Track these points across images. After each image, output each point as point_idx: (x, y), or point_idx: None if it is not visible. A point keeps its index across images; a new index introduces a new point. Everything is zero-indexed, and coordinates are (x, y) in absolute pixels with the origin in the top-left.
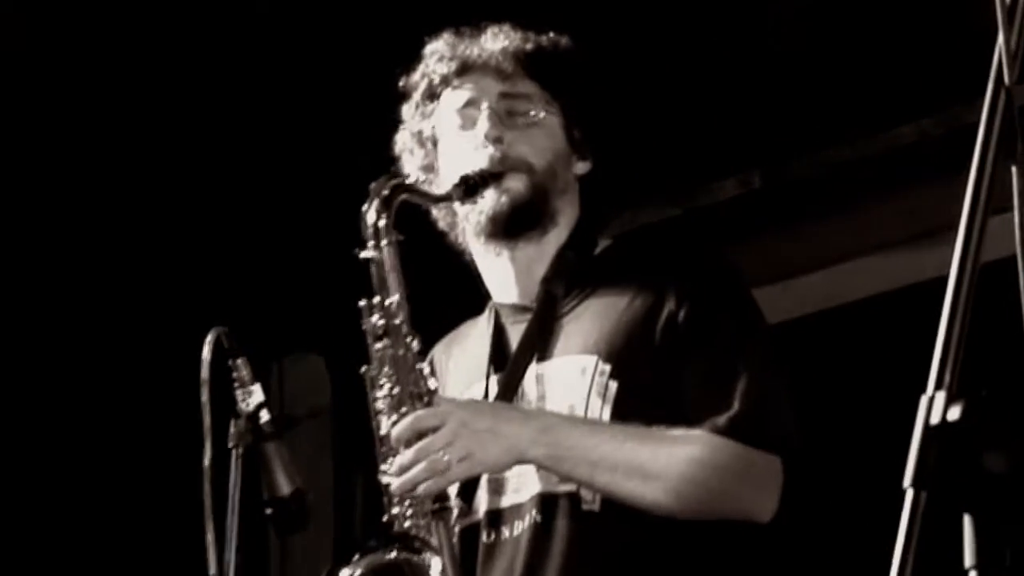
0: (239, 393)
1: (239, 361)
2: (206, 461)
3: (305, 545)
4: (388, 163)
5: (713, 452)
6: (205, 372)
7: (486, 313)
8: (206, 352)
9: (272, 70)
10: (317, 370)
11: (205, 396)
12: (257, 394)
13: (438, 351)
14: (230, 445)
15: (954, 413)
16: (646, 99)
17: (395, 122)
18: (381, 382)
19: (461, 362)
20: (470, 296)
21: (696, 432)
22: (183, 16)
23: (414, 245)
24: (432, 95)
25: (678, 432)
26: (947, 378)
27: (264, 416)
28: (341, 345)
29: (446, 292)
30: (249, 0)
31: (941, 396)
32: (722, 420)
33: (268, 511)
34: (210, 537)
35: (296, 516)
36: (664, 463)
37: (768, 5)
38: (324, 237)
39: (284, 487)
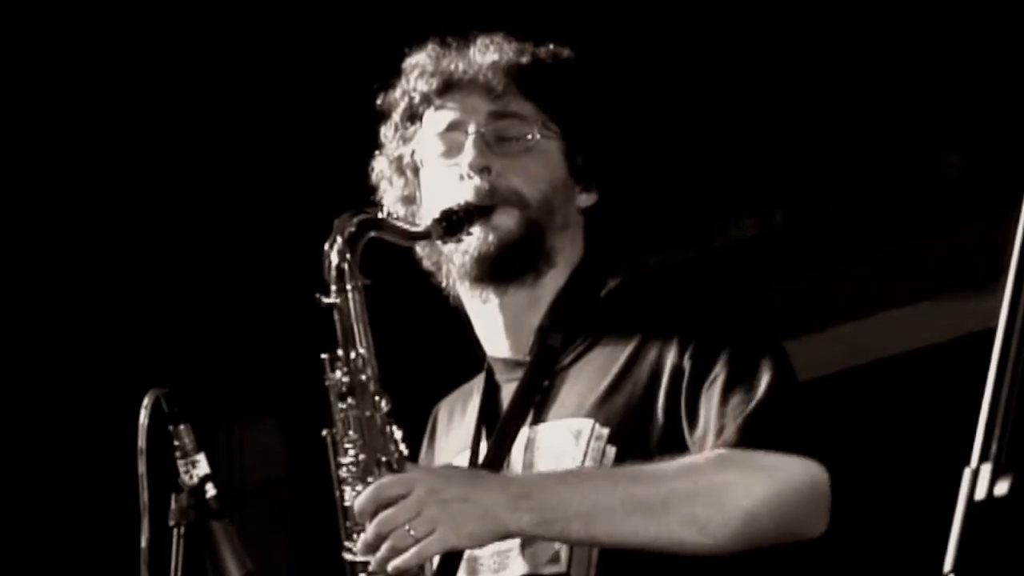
0: (181, 464)
1: (181, 427)
2: (143, 541)
3: None
4: (365, 197)
5: (727, 467)
6: (142, 440)
7: (485, 368)
8: (143, 417)
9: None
10: (271, 436)
11: (142, 467)
12: (202, 465)
13: (442, 411)
14: (171, 523)
15: (1002, 488)
16: (656, 128)
17: (368, 150)
18: (346, 447)
19: (458, 425)
20: (463, 344)
21: (706, 452)
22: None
23: (392, 287)
24: (413, 116)
25: (682, 459)
26: (994, 447)
27: (210, 490)
28: (298, 408)
29: (431, 340)
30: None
31: (987, 468)
32: (732, 429)
33: None
34: None
35: None
36: (669, 491)
37: (791, 28)
38: (280, 286)
39: (233, 572)
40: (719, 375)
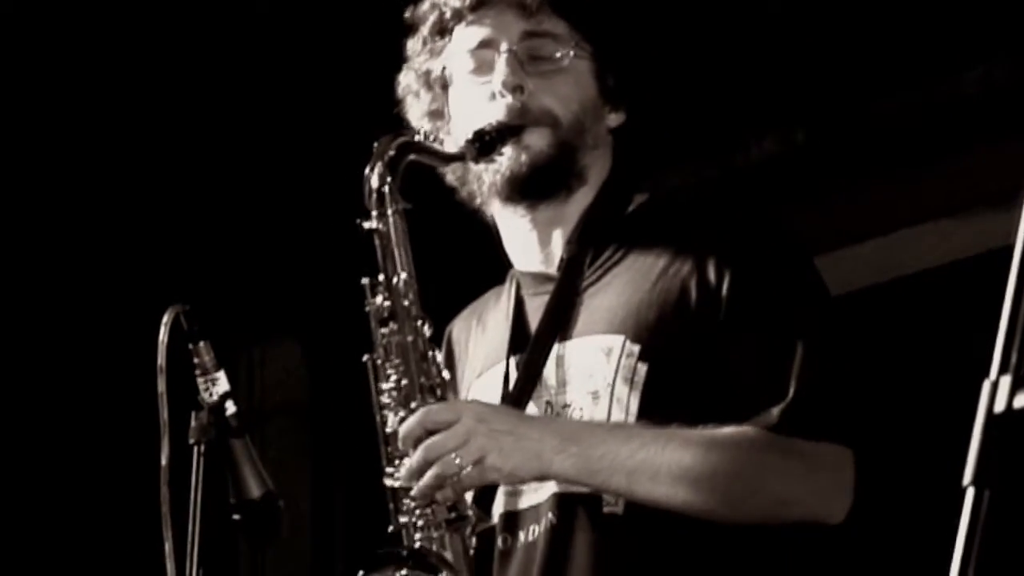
0: (201, 382)
1: (201, 345)
2: (163, 459)
3: (278, 556)
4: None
5: (769, 452)
6: (162, 357)
7: (507, 283)
8: (163, 335)
9: (269, 66)
10: (293, 358)
11: (162, 385)
12: (222, 383)
13: (457, 329)
14: (191, 441)
15: (1022, 400)
16: (673, 47)
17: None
18: (387, 372)
19: (481, 341)
20: (489, 261)
21: (747, 429)
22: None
23: (419, 204)
24: (443, 30)
25: (727, 431)
26: (1013, 360)
27: (230, 408)
28: (321, 331)
29: (461, 256)
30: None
31: (1006, 381)
32: (776, 412)
33: (235, 516)
34: (168, 546)
35: (268, 523)
36: (714, 467)
37: None
38: (308, 205)
39: (254, 489)
40: (764, 327)
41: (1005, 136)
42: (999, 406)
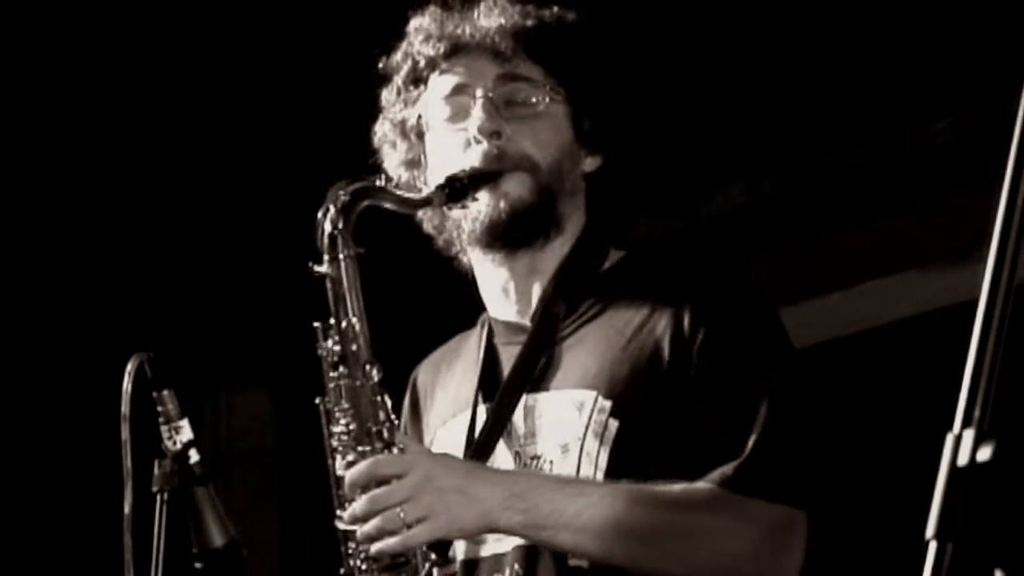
0: (165, 430)
1: (165, 393)
2: (127, 507)
3: None
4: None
5: (720, 510)
6: (126, 405)
7: (478, 328)
8: (127, 382)
9: (240, 114)
10: (260, 404)
11: (125, 433)
12: (185, 431)
13: (423, 374)
14: (154, 489)
15: (984, 453)
16: (653, 93)
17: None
18: (337, 416)
19: (448, 386)
20: (457, 307)
21: (700, 486)
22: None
23: (385, 257)
24: (417, 79)
25: (679, 487)
26: (976, 413)
27: (193, 456)
28: (288, 376)
29: (424, 301)
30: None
31: (970, 434)
32: (730, 470)
33: (198, 565)
34: None
35: (230, 572)
36: (661, 524)
37: None
38: (273, 251)
39: (216, 538)
40: (729, 385)
41: (970, 189)
42: (962, 459)
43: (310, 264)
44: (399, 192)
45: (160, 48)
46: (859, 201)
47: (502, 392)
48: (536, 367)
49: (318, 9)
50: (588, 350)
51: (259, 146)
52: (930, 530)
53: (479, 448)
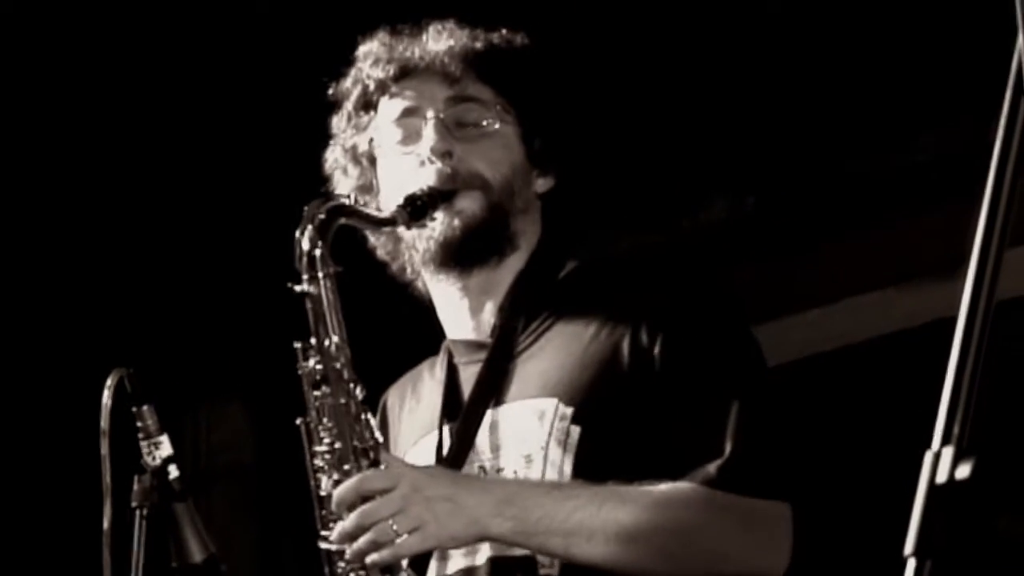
0: (144, 445)
1: (144, 408)
2: (106, 523)
3: None
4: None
5: (706, 508)
6: (105, 421)
7: (441, 353)
8: (106, 397)
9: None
10: (239, 420)
11: (105, 449)
12: (165, 446)
13: (392, 397)
14: (133, 505)
15: (963, 471)
16: (621, 107)
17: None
18: (321, 435)
19: (415, 411)
20: (429, 332)
21: (684, 486)
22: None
23: (360, 274)
24: (368, 104)
25: (664, 488)
26: (955, 431)
27: (173, 472)
28: (267, 392)
29: (402, 327)
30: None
31: (948, 451)
32: (712, 469)
33: None
34: None
35: None
36: (649, 525)
37: (759, 10)
38: (252, 267)
39: (196, 554)
40: (698, 386)
41: (952, 205)
42: (941, 477)
43: (289, 284)
44: (368, 211)
45: (137, 73)
46: (839, 218)
47: (465, 411)
48: (496, 382)
49: (273, 40)
50: (547, 359)
51: (237, 163)
52: (909, 547)
53: (447, 468)
